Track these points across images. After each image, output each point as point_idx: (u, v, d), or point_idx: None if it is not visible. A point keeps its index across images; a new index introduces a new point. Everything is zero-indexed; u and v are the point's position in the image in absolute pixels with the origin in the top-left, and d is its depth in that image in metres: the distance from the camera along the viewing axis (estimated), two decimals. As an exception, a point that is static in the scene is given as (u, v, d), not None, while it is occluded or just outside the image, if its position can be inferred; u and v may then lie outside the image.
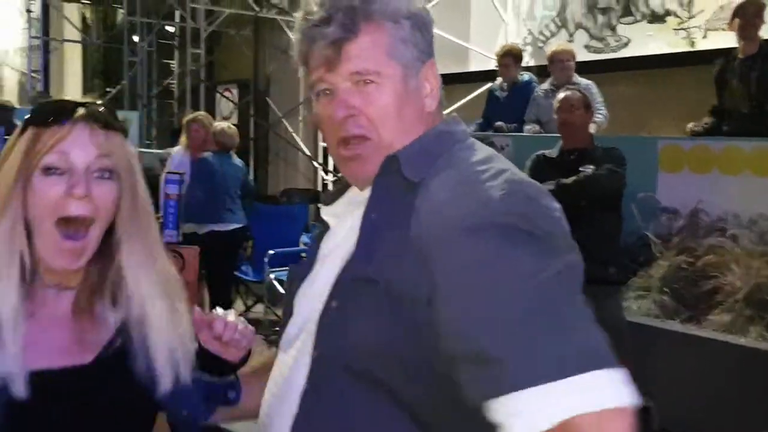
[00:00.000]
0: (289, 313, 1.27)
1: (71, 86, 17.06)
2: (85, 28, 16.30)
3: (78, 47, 16.67)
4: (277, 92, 10.88)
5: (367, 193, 1.15)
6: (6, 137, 7.41)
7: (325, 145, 9.09)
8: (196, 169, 5.97)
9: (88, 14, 16.13)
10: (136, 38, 13.17)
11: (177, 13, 12.19)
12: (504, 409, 0.94)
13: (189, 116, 6.70)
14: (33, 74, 15.33)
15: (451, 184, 1.07)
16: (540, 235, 1.01)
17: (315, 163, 10.70)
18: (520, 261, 0.98)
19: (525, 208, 1.02)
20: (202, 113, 6.97)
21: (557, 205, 1.08)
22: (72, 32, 15.64)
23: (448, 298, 1.00)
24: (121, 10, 13.45)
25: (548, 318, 0.95)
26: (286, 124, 10.59)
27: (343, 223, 1.22)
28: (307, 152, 10.58)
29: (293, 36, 1.20)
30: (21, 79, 18.96)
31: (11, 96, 16.28)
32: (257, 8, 10.26)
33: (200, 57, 10.91)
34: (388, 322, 1.05)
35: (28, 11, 15.17)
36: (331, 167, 10.63)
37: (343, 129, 1.15)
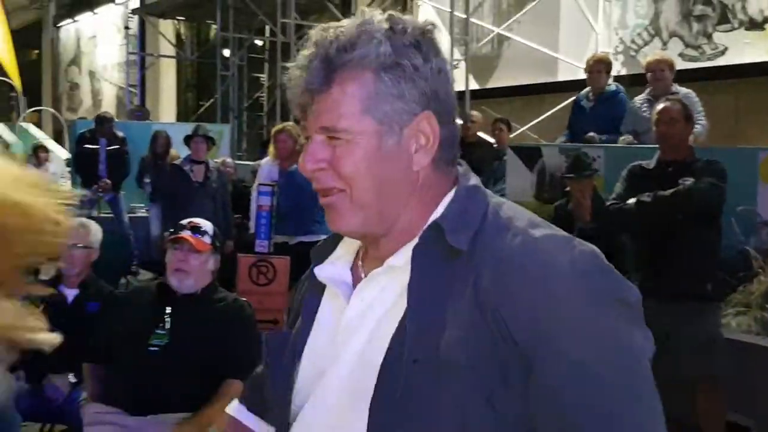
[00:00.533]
0: (286, 387, 1.15)
1: (165, 100, 17.65)
2: (179, 43, 16.84)
3: (172, 62, 17.23)
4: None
5: (395, 261, 1.08)
6: (108, 148, 7.68)
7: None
8: (284, 182, 6.07)
9: (182, 30, 16.66)
10: (227, 53, 13.53)
11: (267, 28, 12.45)
12: None
13: (277, 127, 6.80)
14: (130, 88, 15.90)
15: (523, 257, 1.00)
16: (633, 306, 1.01)
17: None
18: (632, 343, 0.99)
19: (614, 280, 1.01)
20: (289, 123, 7.06)
21: None
22: (167, 48, 16.18)
23: (562, 385, 0.96)
24: (214, 26, 13.83)
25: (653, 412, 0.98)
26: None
27: (362, 293, 1.11)
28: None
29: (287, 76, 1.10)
30: (119, 93, 19.72)
31: (109, 109, 16.91)
32: (345, 22, 10.40)
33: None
34: (467, 411, 0.98)
35: (126, 28, 15.76)
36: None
37: (315, 181, 1.08)
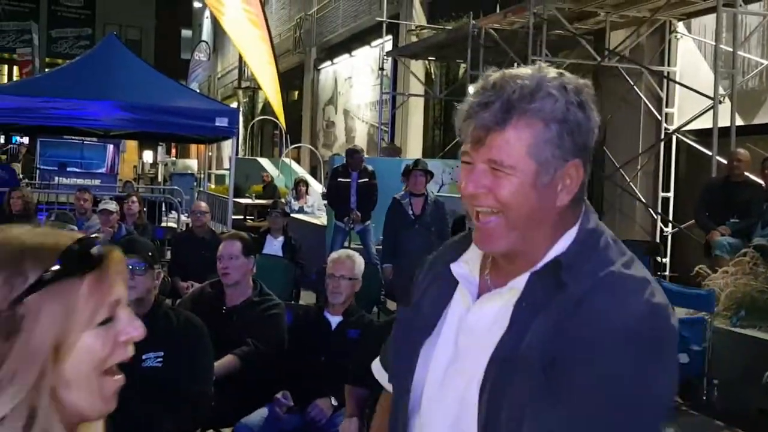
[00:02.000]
0: (409, 363, 1.36)
1: (413, 138, 18.26)
2: (428, 82, 17.39)
3: (420, 101, 17.81)
4: (614, 140, 10.64)
5: (517, 284, 1.27)
6: (360, 180, 8.08)
7: (665, 195, 8.51)
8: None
9: (432, 69, 17.20)
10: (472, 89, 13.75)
11: (515, 66, 12.44)
12: None
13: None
14: (382, 126, 16.64)
15: (607, 292, 1.20)
16: (669, 355, 1.21)
17: (654, 214, 10.23)
18: (656, 384, 1.18)
19: (665, 328, 1.20)
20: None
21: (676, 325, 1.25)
22: (416, 87, 16.77)
23: (581, 400, 1.15)
24: (463, 65, 14.13)
25: None
26: (623, 172, 10.30)
27: (485, 303, 1.31)
28: (645, 202, 10.17)
29: (460, 106, 1.29)
30: (370, 131, 20.73)
31: (360, 145, 17.77)
32: (598, 57, 10.16)
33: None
34: (534, 404, 1.18)
35: (381, 69, 16.56)
36: (671, 217, 10.09)
37: (473, 203, 1.27)
